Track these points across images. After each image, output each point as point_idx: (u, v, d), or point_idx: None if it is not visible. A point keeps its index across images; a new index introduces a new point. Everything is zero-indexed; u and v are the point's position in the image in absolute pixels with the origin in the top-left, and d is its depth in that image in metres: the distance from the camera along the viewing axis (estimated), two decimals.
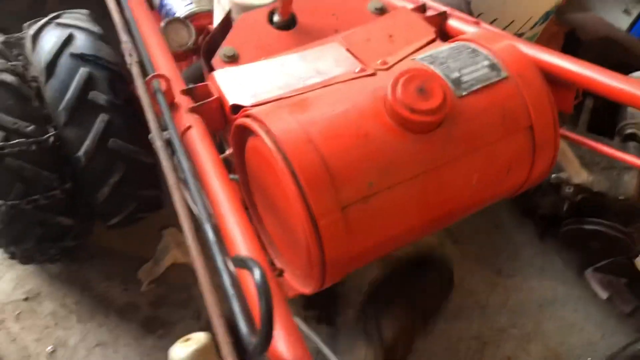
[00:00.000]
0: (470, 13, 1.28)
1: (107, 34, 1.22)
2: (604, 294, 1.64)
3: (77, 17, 1.24)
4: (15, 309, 1.42)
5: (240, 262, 0.52)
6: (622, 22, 1.90)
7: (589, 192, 1.46)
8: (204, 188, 0.75)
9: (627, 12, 1.90)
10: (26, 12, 1.40)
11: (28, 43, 1.20)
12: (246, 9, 1.10)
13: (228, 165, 0.93)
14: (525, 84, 0.84)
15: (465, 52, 0.87)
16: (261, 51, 1.01)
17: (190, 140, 0.82)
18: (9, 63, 1.17)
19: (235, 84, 0.91)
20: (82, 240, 1.35)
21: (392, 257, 1.59)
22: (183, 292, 1.50)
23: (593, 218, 1.50)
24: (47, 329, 1.39)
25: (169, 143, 0.78)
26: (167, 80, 0.87)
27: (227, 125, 0.93)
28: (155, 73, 0.87)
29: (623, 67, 1.02)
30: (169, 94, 0.87)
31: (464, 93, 0.81)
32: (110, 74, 1.16)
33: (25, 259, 1.32)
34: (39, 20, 1.24)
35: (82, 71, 1.12)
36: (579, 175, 1.44)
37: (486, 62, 0.85)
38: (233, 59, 0.99)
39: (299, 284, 0.86)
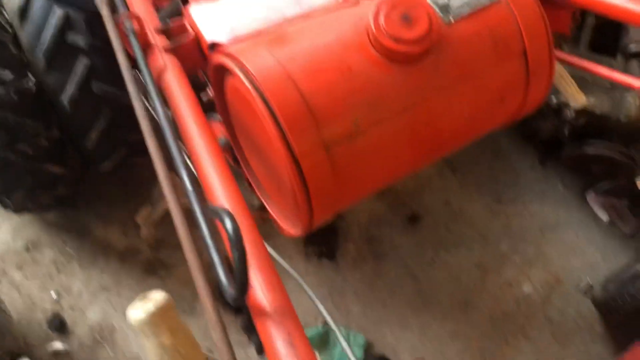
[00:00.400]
0: None
1: None
2: (605, 217, 1.63)
3: None
4: (16, 258, 1.43)
5: (213, 213, 0.50)
6: None
7: (591, 115, 1.42)
8: (181, 133, 0.72)
9: None
10: None
11: None
12: None
13: (214, 106, 0.90)
14: (518, 7, 0.79)
15: None
16: None
17: (166, 83, 0.78)
18: None
19: (211, 19, 0.86)
20: (75, 188, 1.34)
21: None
22: None
23: (595, 141, 1.47)
24: (49, 277, 1.41)
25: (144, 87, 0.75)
26: (140, 19, 0.82)
27: (206, 63, 0.89)
28: (126, 12, 0.82)
29: None
30: (142, 35, 0.83)
31: (453, 19, 0.76)
32: (88, 15, 1.10)
33: (18, 208, 1.32)
34: None
35: (58, 12, 1.07)
36: (577, 100, 1.39)
37: None
38: None
39: (289, 226, 0.84)
